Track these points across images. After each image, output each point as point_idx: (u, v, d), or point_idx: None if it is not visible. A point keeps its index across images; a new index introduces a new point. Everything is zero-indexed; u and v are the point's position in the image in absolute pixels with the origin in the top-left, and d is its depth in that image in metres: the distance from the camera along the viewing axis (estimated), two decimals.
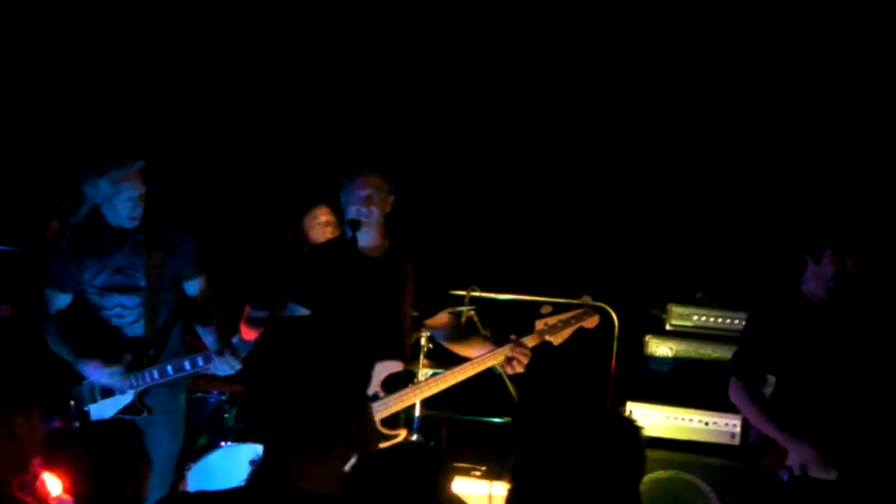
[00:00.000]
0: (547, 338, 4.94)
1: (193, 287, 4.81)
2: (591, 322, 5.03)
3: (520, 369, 4.86)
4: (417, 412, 5.90)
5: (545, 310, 4.98)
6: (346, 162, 5.08)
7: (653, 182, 7.57)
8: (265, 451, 2.39)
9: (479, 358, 4.89)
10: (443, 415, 6.40)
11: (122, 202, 4.58)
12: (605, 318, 6.61)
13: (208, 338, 4.83)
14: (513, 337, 4.90)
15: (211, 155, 7.55)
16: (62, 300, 4.69)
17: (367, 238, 4.92)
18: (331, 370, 2.36)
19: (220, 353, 4.56)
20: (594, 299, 5.58)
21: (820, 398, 4.75)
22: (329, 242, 5.20)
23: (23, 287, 5.15)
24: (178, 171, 6.61)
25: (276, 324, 2.54)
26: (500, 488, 5.36)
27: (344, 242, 4.94)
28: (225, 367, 4.60)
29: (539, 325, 4.94)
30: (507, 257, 7.47)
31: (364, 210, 4.84)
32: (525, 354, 4.84)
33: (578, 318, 4.99)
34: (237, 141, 7.67)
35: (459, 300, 5.98)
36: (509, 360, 4.84)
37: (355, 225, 4.85)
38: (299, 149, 7.72)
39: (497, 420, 6.50)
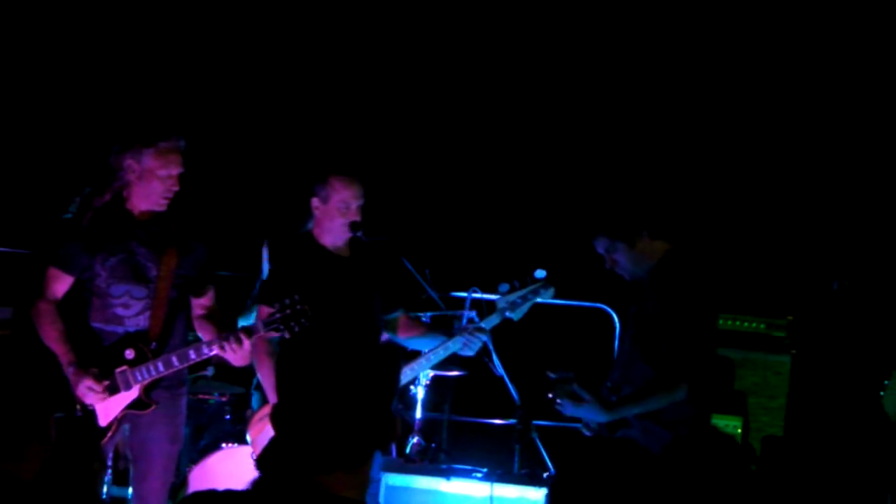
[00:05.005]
0: (507, 314, 5.08)
1: (203, 299, 4.73)
2: (548, 294, 5.15)
3: (469, 353, 5.04)
4: (419, 414, 5.90)
5: (503, 289, 5.10)
6: (323, 166, 5.06)
7: (653, 183, 7.57)
8: (298, 465, 2.37)
9: (433, 350, 5.04)
10: (444, 417, 6.41)
11: (162, 178, 4.52)
12: (606, 318, 6.63)
13: (206, 336, 4.72)
14: (470, 321, 5.09)
15: (209, 161, 7.53)
16: (63, 283, 4.59)
17: (339, 238, 4.97)
18: (368, 386, 2.37)
19: (225, 337, 4.43)
20: (595, 300, 5.59)
21: None
22: (294, 241, 5.09)
23: (25, 289, 5.09)
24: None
25: (305, 341, 2.53)
26: (502, 490, 5.35)
27: (311, 243, 4.97)
28: (229, 351, 4.43)
29: (500, 303, 5.07)
30: (508, 258, 7.47)
31: (358, 220, 4.92)
32: (478, 335, 5.01)
33: (535, 292, 5.11)
34: (233, 146, 7.67)
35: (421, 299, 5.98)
36: (466, 343, 5.00)
37: (356, 226, 4.92)
38: (296, 153, 7.72)
39: (498, 422, 6.50)
